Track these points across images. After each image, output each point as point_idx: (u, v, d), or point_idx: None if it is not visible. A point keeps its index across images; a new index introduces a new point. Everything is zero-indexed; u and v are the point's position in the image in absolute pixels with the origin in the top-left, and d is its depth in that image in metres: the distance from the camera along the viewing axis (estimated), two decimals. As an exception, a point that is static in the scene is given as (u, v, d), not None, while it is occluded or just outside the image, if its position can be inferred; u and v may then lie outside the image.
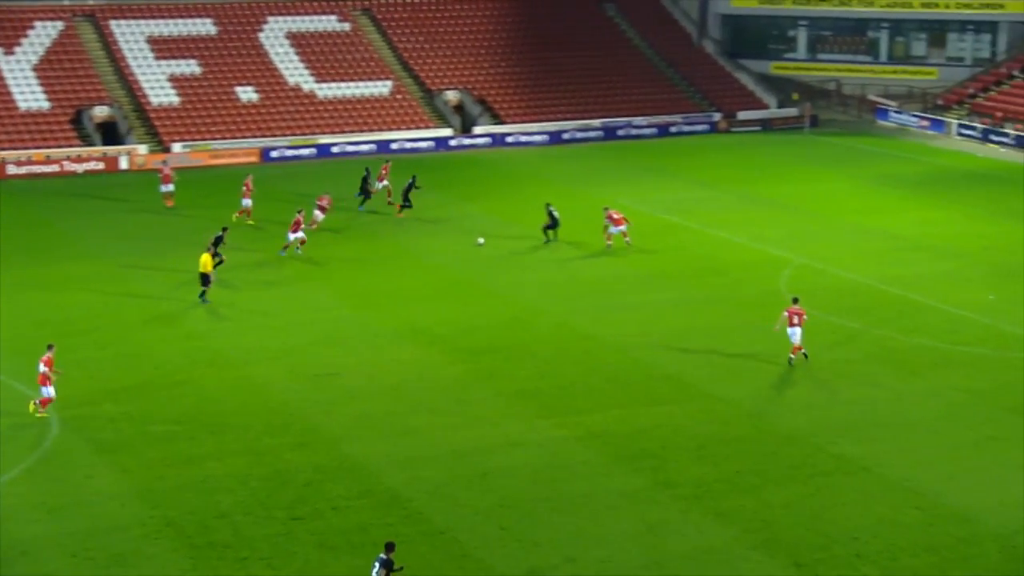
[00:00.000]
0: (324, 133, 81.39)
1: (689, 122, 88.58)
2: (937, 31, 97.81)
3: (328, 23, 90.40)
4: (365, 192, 63.44)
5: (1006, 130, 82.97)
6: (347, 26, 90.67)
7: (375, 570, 26.46)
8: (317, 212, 58.59)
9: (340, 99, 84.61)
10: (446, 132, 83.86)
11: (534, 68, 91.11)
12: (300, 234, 54.12)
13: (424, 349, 43.19)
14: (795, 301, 42.11)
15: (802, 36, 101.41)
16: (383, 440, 35.69)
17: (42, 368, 36.95)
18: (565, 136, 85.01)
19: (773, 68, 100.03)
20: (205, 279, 47.93)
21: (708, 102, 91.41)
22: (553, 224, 56.23)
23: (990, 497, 31.96)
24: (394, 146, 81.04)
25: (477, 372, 41.07)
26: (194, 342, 43.74)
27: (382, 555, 26.60)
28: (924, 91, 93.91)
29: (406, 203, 61.69)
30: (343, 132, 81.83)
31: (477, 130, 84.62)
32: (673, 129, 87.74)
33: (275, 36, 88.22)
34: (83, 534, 30.17)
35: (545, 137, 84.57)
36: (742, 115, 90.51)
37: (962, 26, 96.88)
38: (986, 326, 45.47)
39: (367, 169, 64.53)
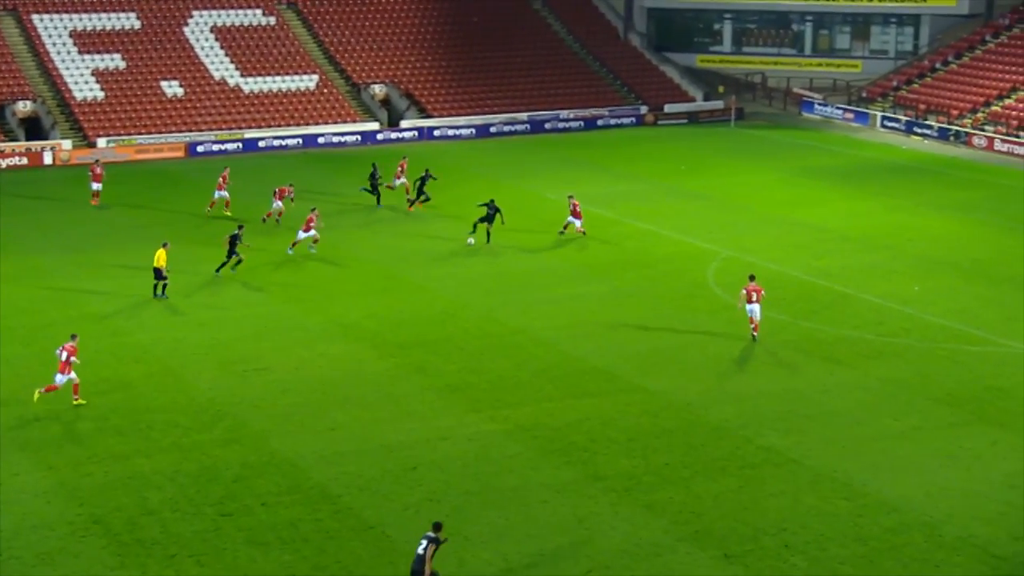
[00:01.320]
0: (250, 127, 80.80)
1: (615, 115, 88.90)
2: (861, 24, 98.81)
3: (253, 17, 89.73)
4: (375, 188, 62.51)
5: (929, 122, 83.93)
6: (272, 20, 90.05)
7: (423, 547, 26.51)
8: (278, 203, 58.35)
9: (266, 93, 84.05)
10: (373, 126, 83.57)
11: (461, 62, 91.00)
12: (313, 232, 53.15)
13: (353, 344, 42.99)
14: (752, 279, 43.46)
15: (727, 29, 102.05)
16: (312, 435, 35.48)
17: (64, 355, 36.89)
18: (492, 129, 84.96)
19: (699, 61, 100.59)
20: (159, 274, 47.45)
21: (634, 95, 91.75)
22: (489, 218, 55.03)
23: (916, 487, 32.29)
24: (321, 140, 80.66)
25: (406, 366, 40.93)
26: (121, 338, 43.26)
27: (430, 533, 26.74)
28: (848, 84, 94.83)
29: (422, 196, 61.18)
30: (269, 126, 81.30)
31: (404, 124, 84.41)
32: (600, 122, 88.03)
33: (200, 30, 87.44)
34: (9, 533, 29.74)
35: (472, 131, 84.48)
36: (668, 108, 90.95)
37: (885, 19, 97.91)
38: (911, 317, 45.97)
39: (374, 164, 63.56)
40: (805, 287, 49.55)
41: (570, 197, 56.85)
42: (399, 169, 63.92)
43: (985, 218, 61.13)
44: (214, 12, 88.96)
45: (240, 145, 78.93)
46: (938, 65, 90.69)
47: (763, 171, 72.94)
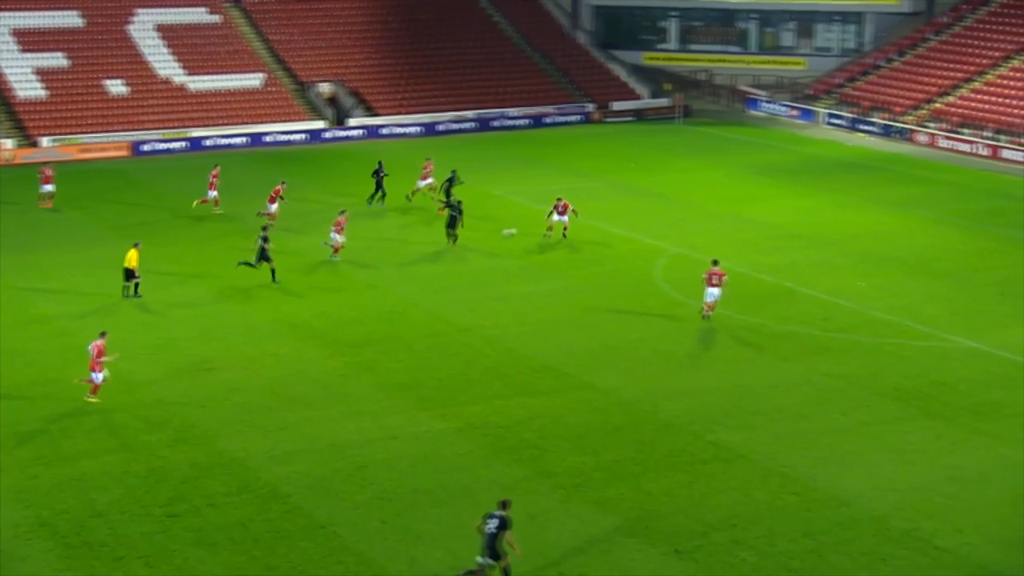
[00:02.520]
0: (196, 126, 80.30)
1: (563, 113, 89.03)
2: (805, 22, 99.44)
3: (198, 15, 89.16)
4: (380, 187, 61.74)
5: (873, 119, 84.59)
6: (217, 18, 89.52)
7: (492, 525, 26.71)
8: (272, 205, 57.75)
9: (212, 92, 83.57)
10: (319, 124, 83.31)
11: (408, 60, 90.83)
12: (341, 238, 52.48)
13: (302, 343, 42.84)
14: (715, 263, 44.87)
15: (673, 27, 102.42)
16: (261, 435, 35.32)
17: (94, 353, 36.90)
18: (439, 128, 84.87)
19: (645, 59, 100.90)
20: (130, 275, 47.11)
21: (581, 93, 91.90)
22: (453, 221, 54.44)
23: (863, 481, 32.55)
24: (267, 139, 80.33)
25: (355, 365, 40.83)
26: (68, 339, 42.84)
27: (497, 512, 26.93)
28: (793, 81, 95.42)
29: (449, 198, 59.97)
30: (215, 125, 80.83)
31: (351, 122, 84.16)
32: (547, 120, 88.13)
33: (144, 28, 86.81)
34: (-48, 538, 29.47)
35: (419, 129, 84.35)
36: (615, 105, 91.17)
37: (829, 17, 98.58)
38: (857, 312, 46.31)
39: (380, 163, 62.87)
40: (752, 283, 49.80)
41: (559, 199, 56.01)
42: (424, 169, 62.78)
43: (928, 214, 61.68)
44: (158, 10, 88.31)
45: (186, 144, 78.46)
46: (881, 63, 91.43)
47: (710, 168, 73.25)
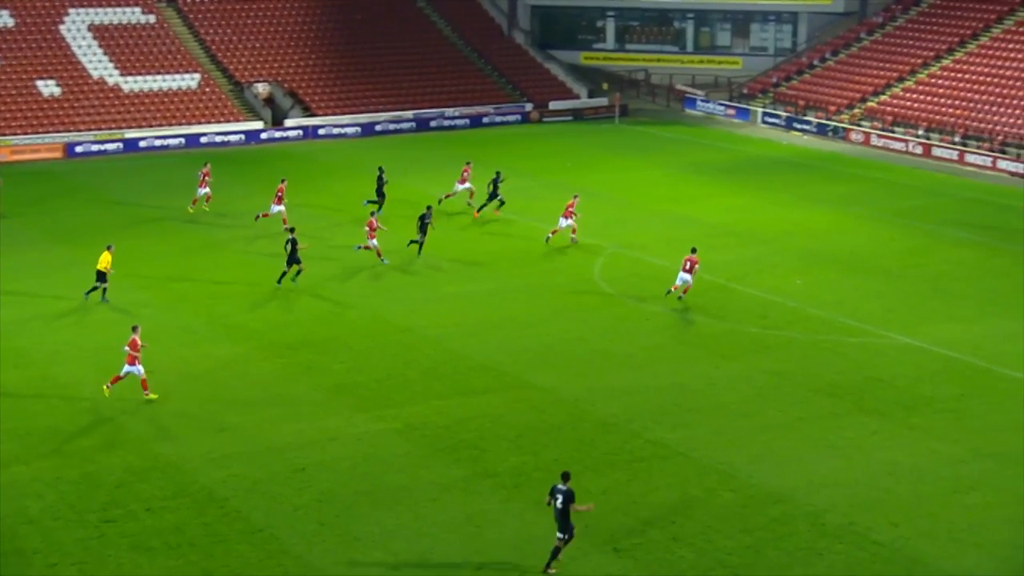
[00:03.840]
0: (131, 127, 79.60)
1: (501, 112, 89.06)
2: (741, 22, 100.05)
3: (132, 15, 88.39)
4: (380, 194, 60.55)
5: (808, 118, 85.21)
6: (152, 18, 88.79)
7: (558, 501, 27.26)
8: (277, 207, 56.92)
9: (146, 92, 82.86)
10: (257, 125, 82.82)
11: (345, 60, 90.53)
12: (374, 241, 51.77)
13: (239, 345, 42.56)
14: (693, 251, 46.87)
15: (610, 27, 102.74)
16: (198, 438, 35.06)
17: (127, 349, 37.05)
18: (378, 128, 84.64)
19: (583, 58, 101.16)
20: (102, 277, 46.69)
21: (519, 92, 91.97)
22: (424, 229, 53.17)
23: (800, 477, 32.78)
24: (203, 140, 79.74)
25: (293, 367, 40.64)
26: (5, 343, 42.35)
27: (560, 485, 27.39)
28: (729, 80, 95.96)
29: (496, 197, 59.94)
30: (150, 126, 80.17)
31: (288, 123, 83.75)
32: (485, 120, 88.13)
33: (77, 28, 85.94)
34: None
35: (357, 129, 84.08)
36: (553, 105, 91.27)
37: (764, 17, 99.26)
38: (794, 310, 46.63)
39: (381, 168, 61.73)
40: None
41: (576, 196, 56.01)
42: (464, 173, 61.93)
43: (862, 211, 62.21)
44: (91, 10, 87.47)
45: (121, 145, 77.73)
46: (816, 62, 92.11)
47: (648, 167, 73.50)
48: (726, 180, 69.68)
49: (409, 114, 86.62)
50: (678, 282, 46.53)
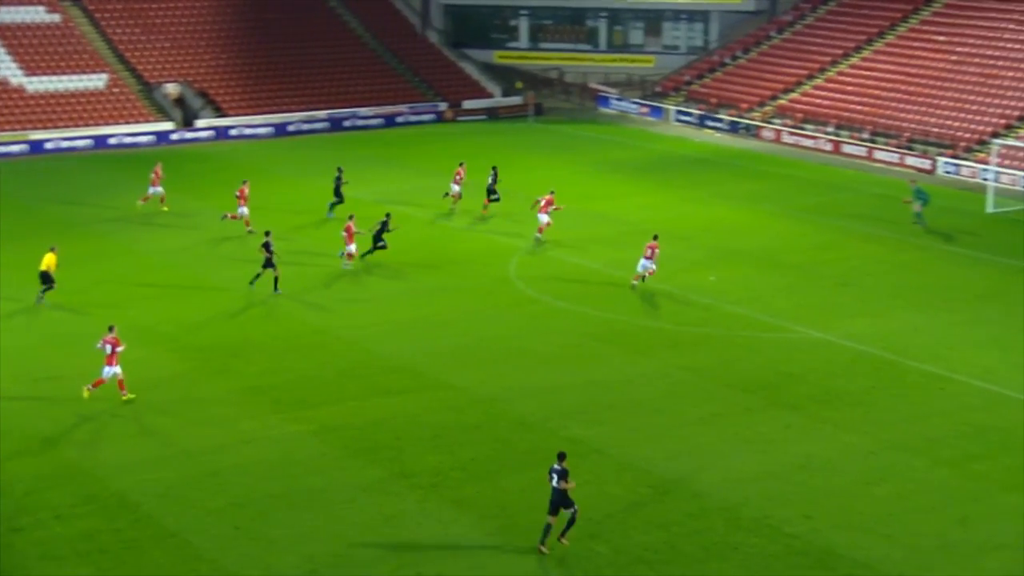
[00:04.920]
0: (36, 128, 78.48)
1: (415, 112, 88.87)
2: (653, 20, 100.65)
3: (36, 14, 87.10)
4: (338, 195, 60.06)
5: (721, 116, 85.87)
6: (57, 17, 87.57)
7: (554, 480, 28.54)
8: (243, 209, 56.31)
9: (52, 93, 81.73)
10: (167, 126, 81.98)
11: (257, 60, 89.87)
12: (352, 246, 51.09)
13: (150, 348, 42.02)
14: (654, 237, 48.22)
15: (524, 26, 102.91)
16: (108, 443, 34.61)
17: (107, 348, 36.49)
18: (290, 128, 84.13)
19: (497, 57, 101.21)
20: (46, 279, 46.11)
21: (433, 92, 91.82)
22: (380, 237, 52.34)
23: (715, 472, 32.99)
24: (112, 141, 78.82)
25: (206, 370, 40.25)
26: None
27: (556, 465, 28.67)
28: (643, 78, 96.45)
29: (494, 196, 60.07)
30: (56, 127, 79.09)
31: (199, 123, 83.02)
32: (399, 119, 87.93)
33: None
34: None
35: (270, 129, 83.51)
36: (468, 104, 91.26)
37: (676, 15, 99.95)
38: (708, 306, 46.95)
39: (340, 169, 61.39)
40: (606, 279, 50.19)
41: (552, 192, 56.62)
42: (457, 174, 61.45)
43: (774, 208, 62.78)
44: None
45: (26, 147, 76.62)
46: (727, 60, 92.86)
47: (562, 165, 73.67)
48: (640, 178, 70.02)
49: (322, 114, 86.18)
50: (639, 269, 47.91)
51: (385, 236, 51.83)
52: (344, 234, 51.06)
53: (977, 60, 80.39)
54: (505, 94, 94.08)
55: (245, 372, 40.10)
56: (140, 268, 51.47)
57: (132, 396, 37.24)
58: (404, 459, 33.87)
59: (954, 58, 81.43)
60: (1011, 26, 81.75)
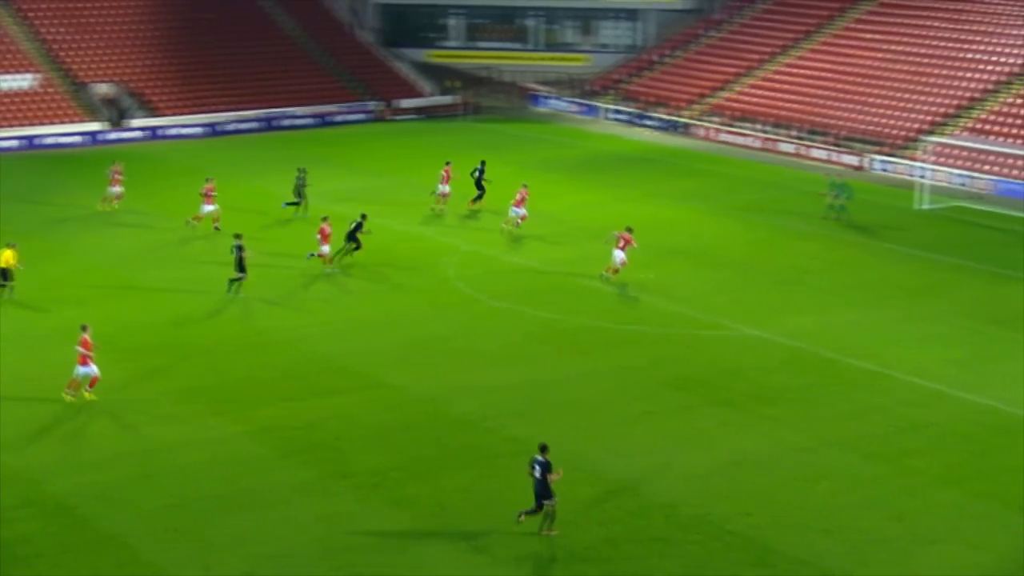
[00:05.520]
0: (-36, 129, 77.58)
1: (349, 111, 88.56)
2: (587, 19, 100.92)
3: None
4: (300, 194, 59.58)
5: (654, 114, 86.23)
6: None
7: (537, 471, 29.04)
8: (208, 206, 55.95)
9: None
10: (98, 126, 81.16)
11: (189, 59, 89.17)
12: (326, 247, 50.38)
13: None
14: (629, 230, 49.12)
15: (457, 25, 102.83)
16: (45, 446, 34.23)
17: (81, 350, 36.23)
18: (223, 128, 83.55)
19: (431, 56, 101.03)
20: (4, 274, 45.83)
21: (368, 91, 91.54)
22: (353, 238, 52.00)
23: (655, 469, 33.12)
24: (42, 141, 77.89)
25: (144, 371, 39.90)
26: None
27: (538, 457, 29.20)
28: (576, 77, 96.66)
29: (480, 190, 60.54)
30: (-14, 127, 78.18)
31: (131, 123, 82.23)
32: (333, 119, 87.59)
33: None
34: None
35: (203, 129, 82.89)
36: (402, 103, 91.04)
37: (610, 14, 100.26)
38: (644, 304, 47.14)
39: (300, 170, 60.85)
40: (543, 278, 50.28)
41: (524, 186, 57.32)
42: (444, 173, 61.37)
43: (709, 206, 63.16)
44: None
45: (-45, 147, 75.70)
46: (661, 59, 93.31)
47: (497, 164, 73.33)
48: (575, 176, 70.18)
49: (255, 113, 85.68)
50: (614, 262, 48.80)
51: (360, 236, 51.57)
52: (318, 236, 50.60)
53: (908, 58, 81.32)
54: (439, 93, 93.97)
55: (183, 373, 39.79)
56: (78, 270, 50.92)
57: (95, 397, 37.12)
58: (343, 459, 33.76)
59: (885, 56, 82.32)
60: (941, 24, 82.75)
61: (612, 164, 74.41)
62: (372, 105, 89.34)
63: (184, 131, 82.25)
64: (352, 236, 51.53)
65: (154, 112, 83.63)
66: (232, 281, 47.50)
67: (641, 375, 40.04)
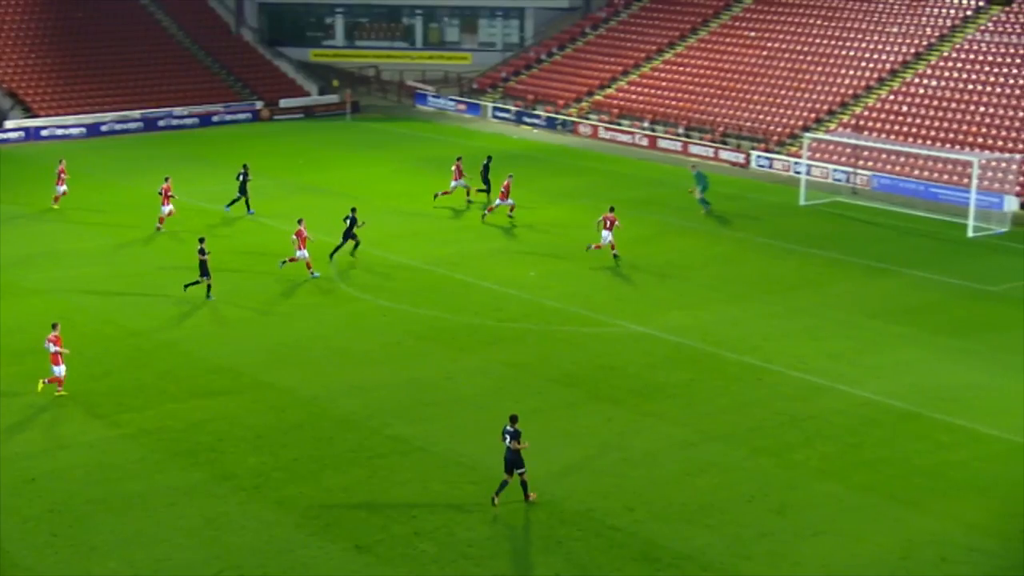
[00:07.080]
0: None
1: (231, 111, 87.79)
2: (468, 17, 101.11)
3: None
4: (243, 192, 59.21)
5: (538, 112, 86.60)
6: None
7: (507, 440, 30.68)
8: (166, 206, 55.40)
9: None
10: (-27, 126, 79.69)
11: (67, 59, 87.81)
12: (304, 252, 49.27)
13: (-40, 355, 40.88)
14: (611, 209, 52.70)
15: (339, 23, 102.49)
16: (-82, 454, 33.57)
17: (52, 348, 36.97)
18: (104, 128, 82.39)
19: (313, 56, 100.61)
20: None
21: (249, 91, 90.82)
22: (352, 234, 52.10)
23: (539, 466, 33.11)
24: (-84, 141, 76.30)
25: (21, 375, 39.18)
26: None
27: (508, 427, 30.81)
28: (459, 76, 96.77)
29: (486, 184, 61.61)
30: None
31: (8, 124, 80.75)
32: (215, 119, 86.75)
33: None
34: None
35: (83, 130, 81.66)
36: (284, 103, 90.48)
37: (491, 12, 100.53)
38: (529, 302, 47.33)
39: (245, 166, 60.29)
40: (426, 276, 50.28)
41: (510, 176, 59.29)
42: (455, 168, 61.28)
43: (592, 203, 63.36)
44: None
45: None
46: (543, 57, 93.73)
47: (381, 163, 73.55)
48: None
49: (136, 113, 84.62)
50: (603, 241, 51.78)
51: (356, 231, 51.85)
52: (295, 239, 49.74)
53: (787, 56, 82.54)
54: (322, 92, 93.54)
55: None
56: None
57: (63, 393, 37.30)
58: (225, 461, 33.52)
59: (765, 54, 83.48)
60: (819, 22, 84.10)
61: (496, 163, 74.35)
62: (259, 105, 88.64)
63: (63, 132, 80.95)
64: (350, 233, 51.51)
65: (32, 113, 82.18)
66: (189, 285, 47.02)
67: (524, 372, 40.22)
